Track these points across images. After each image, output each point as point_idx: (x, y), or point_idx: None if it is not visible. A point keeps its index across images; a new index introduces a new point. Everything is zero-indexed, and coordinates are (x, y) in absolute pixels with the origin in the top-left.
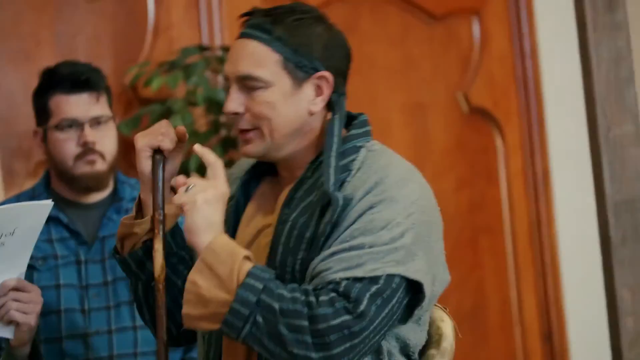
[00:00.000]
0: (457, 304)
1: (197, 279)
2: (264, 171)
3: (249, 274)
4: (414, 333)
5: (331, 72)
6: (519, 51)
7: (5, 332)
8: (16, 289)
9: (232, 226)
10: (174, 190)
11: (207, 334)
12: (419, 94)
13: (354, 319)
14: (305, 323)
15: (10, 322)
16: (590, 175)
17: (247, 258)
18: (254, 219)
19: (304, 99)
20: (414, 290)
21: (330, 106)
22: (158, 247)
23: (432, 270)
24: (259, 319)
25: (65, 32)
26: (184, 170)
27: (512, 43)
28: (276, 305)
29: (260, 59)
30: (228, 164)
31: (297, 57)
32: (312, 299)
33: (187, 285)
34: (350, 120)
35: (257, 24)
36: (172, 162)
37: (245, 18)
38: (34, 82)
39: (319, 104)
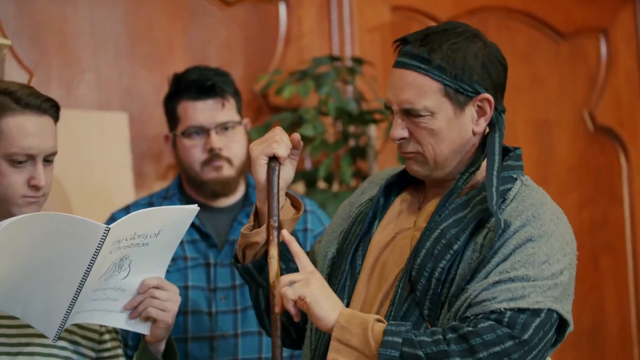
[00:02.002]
0: (576, 322)
1: (338, 357)
2: (409, 180)
3: (386, 332)
4: None
5: (491, 90)
6: None
7: (142, 328)
8: (156, 287)
9: (368, 223)
10: (290, 198)
11: (315, 342)
12: (545, 110)
13: (516, 345)
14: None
15: (148, 318)
16: None
17: (378, 320)
18: (393, 222)
19: (467, 122)
20: (558, 330)
21: (488, 123)
22: (273, 253)
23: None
24: None
25: (198, 39)
26: (314, 179)
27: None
28: (421, 353)
29: (421, 89)
30: (355, 174)
31: (458, 82)
32: (466, 329)
33: None
34: (504, 151)
35: (414, 54)
36: (287, 169)
37: (399, 44)
38: (165, 87)
39: (482, 125)
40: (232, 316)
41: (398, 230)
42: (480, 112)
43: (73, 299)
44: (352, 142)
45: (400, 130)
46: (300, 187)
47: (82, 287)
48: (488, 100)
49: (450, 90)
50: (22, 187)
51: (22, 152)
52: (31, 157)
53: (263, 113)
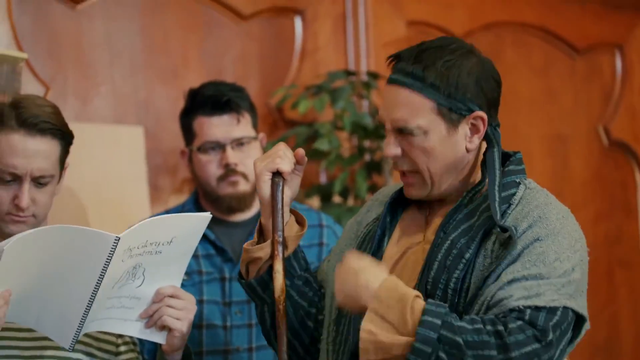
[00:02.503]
0: (591, 336)
1: (372, 328)
2: None
3: (426, 312)
4: None
5: (484, 107)
6: None
7: (158, 337)
8: (171, 296)
9: (378, 241)
10: (294, 214)
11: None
12: (560, 125)
13: (543, 348)
14: (494, 353)
15: (163, 327)
16: None
17: (418, 297)
18: (402, 238)
19: (460, 139)
20: (575, 326)
21: (485, 137)
22: (278, 268)
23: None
24: (442, 355)
25: (213, 52)
26: (329, 193)
27: None
28: (459, 339)
29: (415, 108)
30: (371, 189)
31: (451, 101)
32: (501, 327)
33: (363, 334)
34: (505, 156)
35: (408, 72)
36: (292, 184)
37: (392, 60)
38: (181, 101)
39: (475, 142)
40: (247, 330)
41: (408, 245)
42: (474, 129)
43: (87, 308)
44: (367, 157)
45: (393, 148)
46: (315, 202)
47: (95, 297)
48: (481, 118)
49: (443, 108)
50: (7, 205)
51: (6, 170)
52: (17, 177)
53: (278, 127)
